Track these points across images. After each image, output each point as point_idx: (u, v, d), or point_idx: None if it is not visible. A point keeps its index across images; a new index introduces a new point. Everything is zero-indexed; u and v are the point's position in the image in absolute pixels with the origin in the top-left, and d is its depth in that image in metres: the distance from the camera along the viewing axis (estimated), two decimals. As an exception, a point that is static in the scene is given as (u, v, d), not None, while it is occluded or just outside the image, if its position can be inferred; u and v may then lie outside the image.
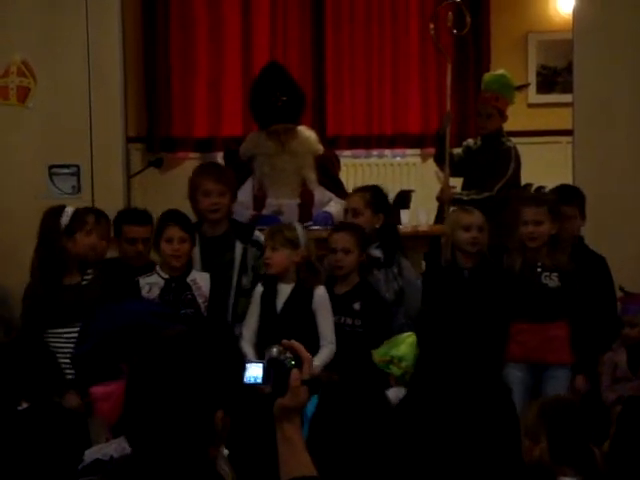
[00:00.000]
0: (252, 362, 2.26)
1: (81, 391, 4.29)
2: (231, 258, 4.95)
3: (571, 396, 4.19)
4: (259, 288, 4.79)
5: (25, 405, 3.68)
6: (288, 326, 4.59)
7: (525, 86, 6.64)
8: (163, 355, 2.09)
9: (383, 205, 5.22)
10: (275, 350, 2.26)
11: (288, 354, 2.27)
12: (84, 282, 4.73)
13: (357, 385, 3.37)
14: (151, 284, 4.78)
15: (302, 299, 4.69)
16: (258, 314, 4.76)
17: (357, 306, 4.76)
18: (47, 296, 4.64)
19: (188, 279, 4.81)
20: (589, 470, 3.12)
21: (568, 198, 5.07)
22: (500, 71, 6.66)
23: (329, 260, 4.91)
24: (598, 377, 4.77)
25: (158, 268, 4.85)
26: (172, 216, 4.89)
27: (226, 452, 2.85)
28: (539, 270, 4.73)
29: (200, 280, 4.83)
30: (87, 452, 2.28)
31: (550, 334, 4.67)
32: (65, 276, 4.70)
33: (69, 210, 4.73)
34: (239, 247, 5.04)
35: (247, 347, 4.69)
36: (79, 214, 4.75)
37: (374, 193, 5.21)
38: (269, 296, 4.75)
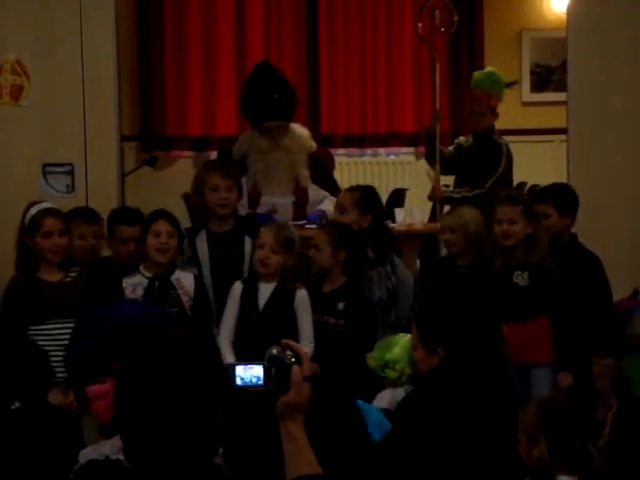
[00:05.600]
0: (252, 363, 2.28)
1: (75, 390, 4.29)
2: (241, 254, 4.89)
3: (565, 396, 4.18)
4: (238, 286, 4.72)
5: (17, 405, 3.67)
6: (270, 325, 4.56)
7: (514, 83, 6.64)
8: (165, 357, 2.10)
9: (372, 206, 5.14)
10: (275, 350, 2.28)
11: (288, 352, 2.28)
12: (67, 279, 4.67)
13: (325, 389, 3.35)
14: (134, 284, 4.73)
15: (284, 299, 4.65)
16: (237, 312, 4.69)
17: (341, 306, 4.71)
18: (24, 292, 4.59)
19: (172, 278, 4.76)
20: (586, 469, 3.14)
21: (541, 196, 5.06)
22: (489, 68, 6.65)
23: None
24: (592, 378, 4.74)
25: (142, 268, 4.78)
26: (160, 212, 4.86)
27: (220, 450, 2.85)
28: (513, 269, 4.73)
29: (184, 279, 4.78)
30: (82, 452, 2.27)
31: (526, 333, 4.65)
32: (45, 273, 4.65)
33: (33, 210, 4.66)
34: (248, 242, 4.98)
35: (224, 345, 4.60)
36: (37, 216, 4.64)
37: (364, 193, 5.15)
38: (250, 295, 4.69)
